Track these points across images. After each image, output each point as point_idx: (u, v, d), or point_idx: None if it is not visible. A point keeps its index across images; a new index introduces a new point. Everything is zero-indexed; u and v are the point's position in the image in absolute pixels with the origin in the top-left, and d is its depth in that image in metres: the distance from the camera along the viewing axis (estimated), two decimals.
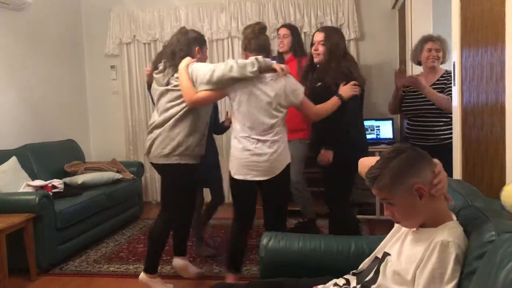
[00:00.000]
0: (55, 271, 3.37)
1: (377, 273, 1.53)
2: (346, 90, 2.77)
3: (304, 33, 4.96)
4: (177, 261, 3.03)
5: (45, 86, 4.76)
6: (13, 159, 3.74)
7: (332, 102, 2.74)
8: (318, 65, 2.97)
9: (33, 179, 3.77)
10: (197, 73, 2.62)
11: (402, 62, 4.54)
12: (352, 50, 4.91)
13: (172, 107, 2.73)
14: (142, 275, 2.89)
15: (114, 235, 4.20)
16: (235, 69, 2.52)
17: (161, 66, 2.81)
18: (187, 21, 5.19)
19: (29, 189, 3.57)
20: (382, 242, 1.63)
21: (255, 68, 2.51)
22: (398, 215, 1.42)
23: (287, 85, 2.58)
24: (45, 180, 3.78)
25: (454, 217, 1.45)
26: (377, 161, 1.44)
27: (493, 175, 1.89)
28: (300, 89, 2.66)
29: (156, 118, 2.82)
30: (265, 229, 2.67)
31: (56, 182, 3.83)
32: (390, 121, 4.53)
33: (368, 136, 4.51)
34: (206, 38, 5.15)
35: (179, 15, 5.21)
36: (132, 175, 4.62)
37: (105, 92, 5.58)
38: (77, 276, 3.29)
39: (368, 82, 4.94)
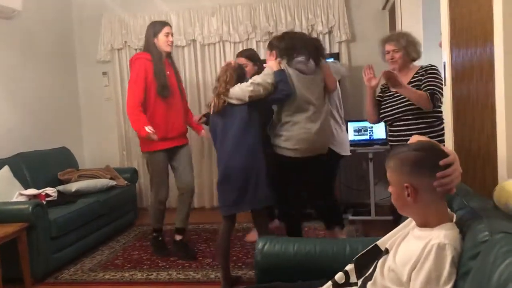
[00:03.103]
0: (50, 280, 3.35)
1: (375, 269, 1.54)
2: None
3: None
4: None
5: (37, 94, 4.73)
6: (6, 168, 3.71)
7: None
8: None
9: (26, 188, 3.74)
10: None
11: None
12: (343, 52, 4.94)
13: (322, 96, 3.13)
14: None
15: (109, 242, 4.18)
16: None
17: (302, 57, 3.01)
18: (178, 26, 5.19)
19: (22, 198, 3.55)
20: (388, 235, 1.63)
21: None
22: (392, 196, 1.49)
23: None
24: (39, 189, 3.76)
25: (454, 218, 1.45)
26: (405, 144, 1.52)
27: (486, 174, 1.90)
28: None
29: (312, 107, 3.02)
30: None
31: (50, 190, 3.81)
32: (383, 122, 4.54)
33: (362, 137, 4.54)
34: (197, 43, 5.22)
35: (170, 20, 5.18)
36: (126, 182, 4.60)
37: (97, 98, 5.56)
38: (72, 285, 3.27)
39: (359, 84, 4.99)
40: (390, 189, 1.49)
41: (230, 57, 5.11)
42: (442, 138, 2.72)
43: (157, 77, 3.54)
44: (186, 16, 5.19)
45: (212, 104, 2.98)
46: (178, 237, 3.74)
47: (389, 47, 2.95)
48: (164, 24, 3.69)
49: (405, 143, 2.79)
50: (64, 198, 3.91)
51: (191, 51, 5.26)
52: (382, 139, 4.49)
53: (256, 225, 3.09)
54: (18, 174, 3.83)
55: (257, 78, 2.93)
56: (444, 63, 2.40)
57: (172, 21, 5.19)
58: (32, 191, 3.67)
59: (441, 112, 2.86)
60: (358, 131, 4.57)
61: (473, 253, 1.27)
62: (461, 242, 1.36)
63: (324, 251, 1.96)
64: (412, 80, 2.90)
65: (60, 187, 4.11)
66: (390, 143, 3.08)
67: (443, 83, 2.66)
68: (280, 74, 2.95)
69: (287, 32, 3.27)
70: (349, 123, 4.58)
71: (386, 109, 3.01)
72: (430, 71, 2.85)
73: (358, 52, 4.96)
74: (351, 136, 4.56)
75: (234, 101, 2.88)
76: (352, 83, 4.98)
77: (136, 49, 5.31)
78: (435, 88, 2.77)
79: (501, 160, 1.69)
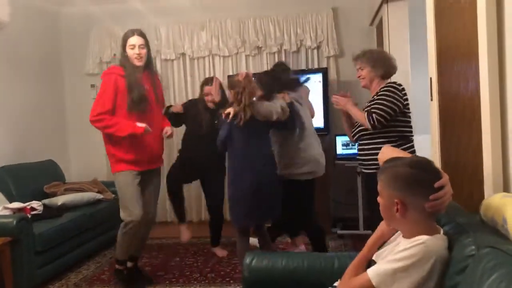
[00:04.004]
0: None
1: None
2: None
3: (285, 50, 5.02)
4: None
5: (24, 106, 4.69)
6: None
7: None
8: None
9: (11, 202, 3.68)
10: None
11: None
12: (331, 67, 4.98)
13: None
14: None
15: (96, 256, 4.12)
16: None
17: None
18: (167, 40, 5.20)
19: (7, 212, 3.48)
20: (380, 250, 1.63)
21: None
22: (380, 207, 1.50)
23: None
24: (24, 202, 3.69)
25: (441, 231, 1.46)
26: (401, 157, 1.52)
27: (472, 188, 1.92)
28: None
29: (312, 133, 3.41)
30: None
31: (35, 204, 3.75)
32: None
33: (350, 151, 4.56)
34: (187, 56, 5.22)
35: (159, 33, 5.21)
36: (113, 195, 4.53)
37: (85, 111, 5.41)
38: None
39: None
40: (379, 199, 1.50)
41: (220, 71, 5.14)
42: None
43: (130, 91, 3.11)
44: (175, 29, 5.21)
45: (233, 114, 2.95)
46: (129, 264, 3.37)
47: (357, 65, 2.90)
48: (130, 34, 3.23)
49: (362, 161, 2.81)
50: (50, 212, 3.85)
51: (180, 65, 5.26)
52: None
53: (263, 238, 3.25)
54: (3, 187, 3.78)
55: (282, 104, 3.08)
56: (431, 78, 2.44)
57: (162, 34, 5.21)
58: (17, 205, 3.60)
59: (408, 132, 2.75)
60: (346, 145, 4.59)
61: (460, 267, 1.28)
62: (447, 254, 1.37)
63: (312, 266, 1.95)
64: (371, 99, 2.80)
65: (46, 201, 4.04)
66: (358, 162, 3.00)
67: (396, 102, 2.64)
68: (291, 106, 3.15)
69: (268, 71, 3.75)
70: (337, 137, 4.61)
71: (353, 129, 2.97)
72: (381, 90, 2.73)
73: (346, 67, 5.00)
74: (339, 150, 4.59)
75: (260, 117, 2.96)
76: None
77: None
78: (376, 106, 2.65)
79: (487, 175, 1.71)
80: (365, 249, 1.60)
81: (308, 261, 1.97)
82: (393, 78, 3.92)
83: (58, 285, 3.46)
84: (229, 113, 2.95)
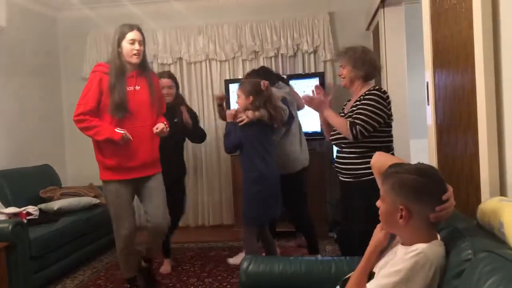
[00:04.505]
0: None
1: None
2: None
3: (281, 54, 5.03)
4: None
5: (20, 110, 4.68)
6: None
7: None
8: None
9: (6, 206, 3.66)
10: None
11: (377, 84, 4.60)
12: (328, 71, 4.99)
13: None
14: None
15: (92, 262, 4.10)
16: None
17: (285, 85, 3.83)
18: (164, 44, 5.21)
19: (2, 217, 3.46)
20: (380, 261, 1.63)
21: None
22: (381, 211, 1.49)
23: None
24: (20, 207, 3.68)
25: (439, 237, 1.46)
26: (405, 164, 1.53)
27: (469, 192, 1.92)
28: None
29: (298, 129, 3.74)
30: None
31: (31, 208, 3.73)
32: None
33: None
34: (184, 61, 5.22)
35: (156, 38, 5.22)
36: None
37: None
38: None
39: (343, 103, 5.04)
40: (379, 204, 1.49)
41: (216, 76, 5.15)
42: None
43: (111, 92, 2.91)
44: (172, 34, 5.21)
45: (251, 119, 3.06)
46: (144, 264, 3.29)
47: (340, 62, 2.69)
48: (130, 28, 2.96)
49: (340, 170, 2.64)
50: (46, 217, 3.83)
51: (177, 69, 5.26)
52: None
53: (266, 237, 3.31)
54: None
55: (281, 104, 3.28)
56: (427, 83, 2.44)
57: (159, 39, 5.21)
58: (12, 210, 3.58)
59: (389, 141, 2.57)
60: None
61: (457, 271, 1.28)
62: (444, 261, 1.37)
63: (310, 271, 1.95)
64: (353, 104, 2.58)
65: (42, 205, 4.02)
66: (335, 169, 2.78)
67: (382, 114, 2.44)
68: (285, 102, 3.37)
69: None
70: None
71: (332, 132, 2.74)
72: (366, 97, 2.50)
73: None
74: (335, 154, 4.58)
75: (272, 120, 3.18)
76: (336, 101, 4.99)
77: None
78: (361, 117, 2.43)
79: (483, 179, 1.72)
80: (363, 261, 1.57)
81: (305, 266, 1.97)
82: (390, 83, 3.95)
83: None
84: (243, 118, 3.06)
